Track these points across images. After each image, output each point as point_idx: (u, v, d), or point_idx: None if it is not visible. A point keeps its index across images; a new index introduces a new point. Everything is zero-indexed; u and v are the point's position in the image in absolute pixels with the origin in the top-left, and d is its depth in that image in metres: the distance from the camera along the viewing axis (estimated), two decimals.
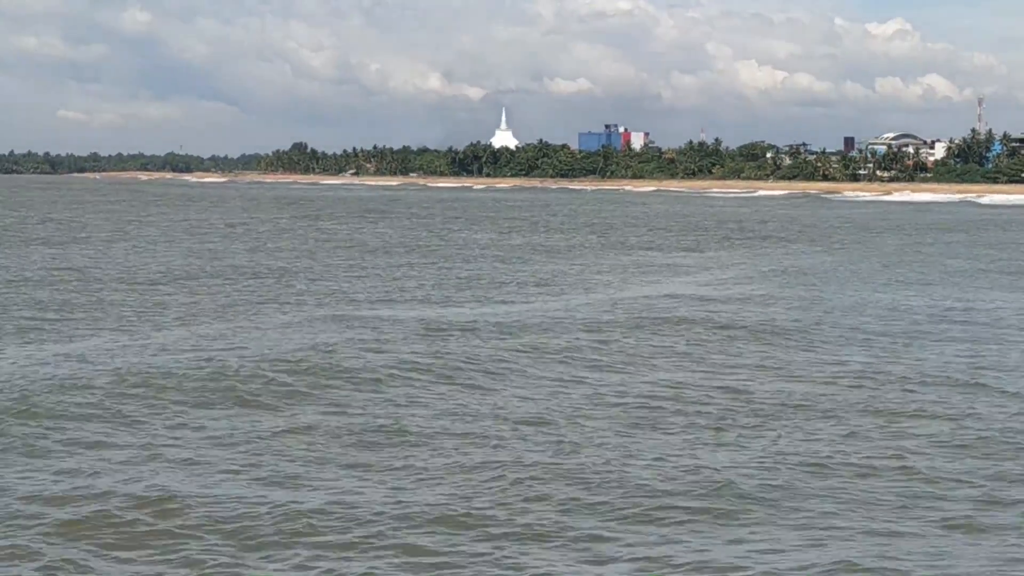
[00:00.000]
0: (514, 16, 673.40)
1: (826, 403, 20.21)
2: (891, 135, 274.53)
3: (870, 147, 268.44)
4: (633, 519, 13.66)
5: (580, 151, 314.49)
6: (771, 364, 24.68)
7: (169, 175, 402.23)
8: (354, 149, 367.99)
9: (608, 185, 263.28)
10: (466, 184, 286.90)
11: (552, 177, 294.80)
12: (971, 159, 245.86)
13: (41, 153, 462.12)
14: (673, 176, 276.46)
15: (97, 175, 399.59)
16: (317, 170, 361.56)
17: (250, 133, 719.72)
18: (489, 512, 13.83)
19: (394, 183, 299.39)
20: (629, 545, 12.68)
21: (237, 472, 15.32)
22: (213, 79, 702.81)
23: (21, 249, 56.94)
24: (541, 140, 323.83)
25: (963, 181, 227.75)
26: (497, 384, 21.95)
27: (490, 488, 14.67)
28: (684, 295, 38.24)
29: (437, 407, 19.61)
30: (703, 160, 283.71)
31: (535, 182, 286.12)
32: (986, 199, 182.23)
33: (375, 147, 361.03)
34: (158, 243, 63.69)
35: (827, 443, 17.34)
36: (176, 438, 17.43)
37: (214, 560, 12.02)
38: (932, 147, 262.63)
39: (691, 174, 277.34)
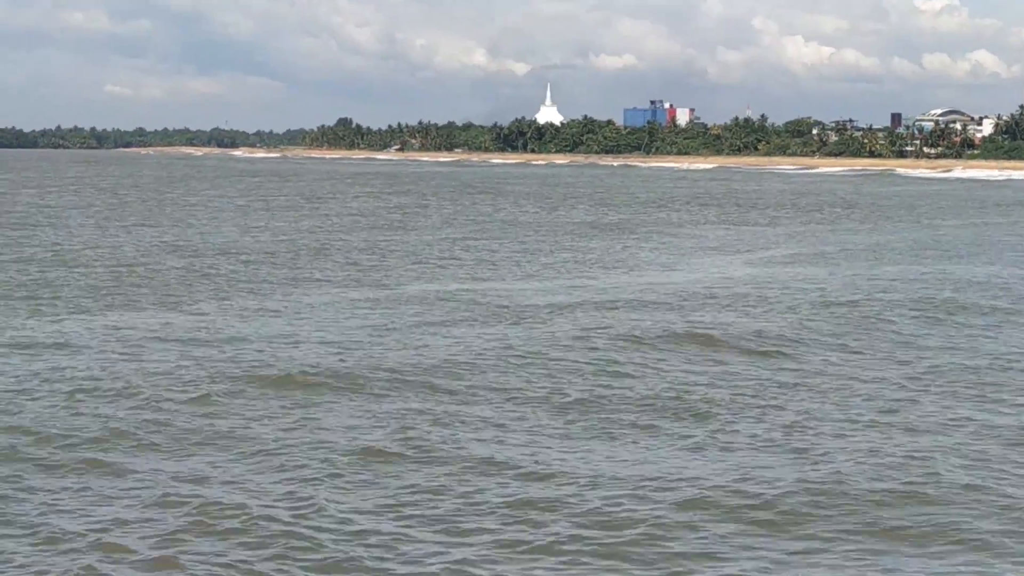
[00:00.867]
0: None
1: None
2: (938, 111, 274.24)
3: (917, 123, 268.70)
4: None
5: (625, 127, 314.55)
6: None
7: (216, 150, 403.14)
8: (399, 124, 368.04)
9: (655, 162, 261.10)
10: (525, 159, 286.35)
11: (597, 153, 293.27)
12: (1019, 136, 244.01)
13: (87, 128, 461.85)
14: (719, 152, 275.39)
15: (150, 150, 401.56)
16: (362, 145, 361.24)
17: (295, 108, 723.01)
18: None
19: (447, 159, 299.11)
20: None
21: None
22: (258, 54, 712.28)
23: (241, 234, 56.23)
24: (586, 116, 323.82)
25: (1011, 158, 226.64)
26: None
27: None
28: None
29: None
30: (749, 136, 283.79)
31: (580, 158, 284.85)
32: None
33: (420, 123, 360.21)
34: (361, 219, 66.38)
35: None
36: None
37: None
38: (980, 123, 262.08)
39: (737, 150, 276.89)
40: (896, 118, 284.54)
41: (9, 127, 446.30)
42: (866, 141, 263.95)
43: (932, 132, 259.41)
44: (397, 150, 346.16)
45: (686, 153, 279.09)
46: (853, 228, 67.14)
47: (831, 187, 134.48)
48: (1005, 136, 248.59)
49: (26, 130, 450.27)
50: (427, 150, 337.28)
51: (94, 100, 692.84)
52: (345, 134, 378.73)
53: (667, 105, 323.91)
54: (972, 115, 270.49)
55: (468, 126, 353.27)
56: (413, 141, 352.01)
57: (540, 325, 27.32)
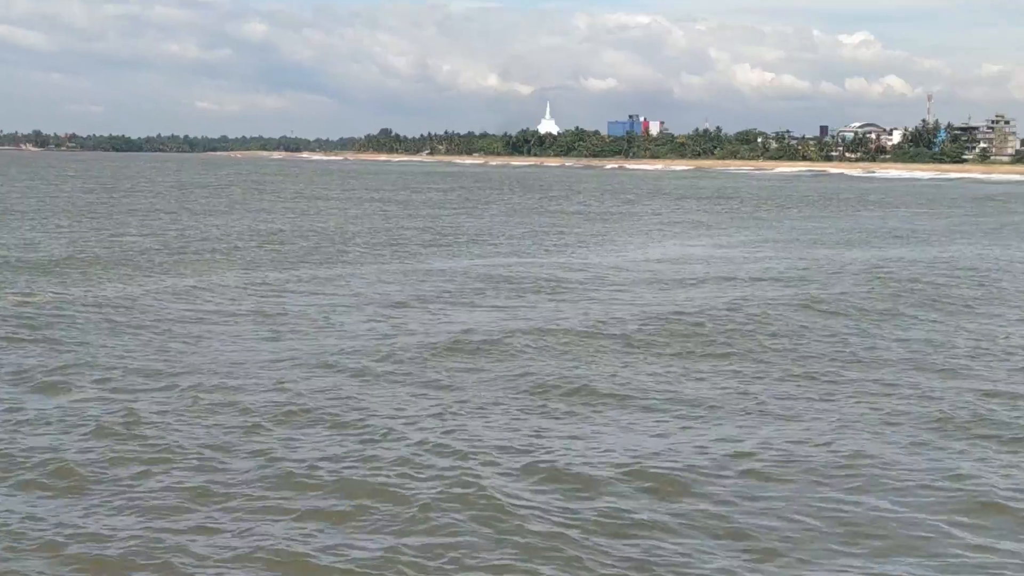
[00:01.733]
0: (556, 28, 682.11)
1: None
2: (857, 124, 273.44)
3: (840, 134, 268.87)
4: None
5: (608, 136, 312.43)
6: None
7: (286, 154, 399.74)
8: (429, 133, 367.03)
9: (632, 164, 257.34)
10: (538, 161, 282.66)
11: (587, 157, 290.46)
12: (921, 144, 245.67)
13: (181, 136, 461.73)
14: (683, 156, 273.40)
15: (237, 154, 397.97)
16: (400, 150, 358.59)
17: (346, 120, 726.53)
18: None
19: (470, 161, 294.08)
20: None
21: None
22: (316, 76, 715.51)
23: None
24: (577, 127, 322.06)
25: (915, 161, 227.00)
26: None
27: None
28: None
29: None
30: (707, 144, 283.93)
31: (573, 161, 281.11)
32: (973, 173, 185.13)
33: (445, 132, 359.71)
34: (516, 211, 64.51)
35: None
36: None
37: None
38: (890, 134, 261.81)
39: (697, 155, 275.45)
40: (824, 129, 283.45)
41: (120, 135, 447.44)
42: (800, 148, 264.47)
43: (852, 141, 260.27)
44: (428, 154, 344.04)
45: (657, 157, 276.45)
46: (858, 214, 66.93)
47: (794, 185, 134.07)
48: (910, 144, 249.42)
49: (133, 137, 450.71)
50: (451, 154, 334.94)
51: (186, 113, 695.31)
52: (386, 141, 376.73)
53: (642, 119, 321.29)
54: (884, 127, 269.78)
55: (484, 135, 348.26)
56: (440, 147, 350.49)
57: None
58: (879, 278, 29.48)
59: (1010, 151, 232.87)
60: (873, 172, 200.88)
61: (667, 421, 14.09)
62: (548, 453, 12.34)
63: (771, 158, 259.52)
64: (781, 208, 74.76)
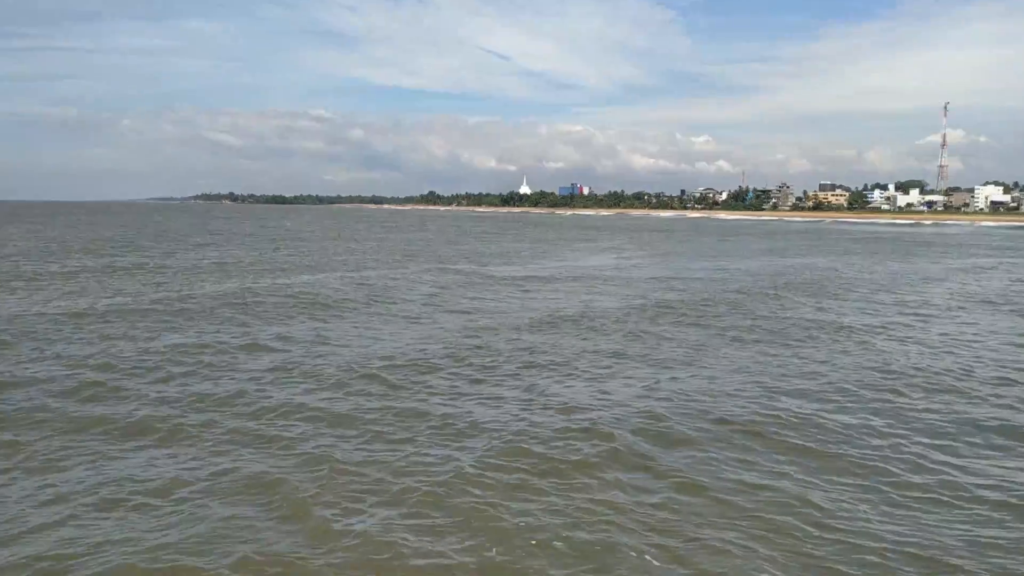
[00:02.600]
0: (529, 132, 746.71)
1: None
2: (702, 188, 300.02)
3: (691, 194, 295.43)
4: None
5: (560, 195, 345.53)
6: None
7: (375, 206, 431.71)
8: (455, 194, 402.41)
9: (579, 211, 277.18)
10: (522, 210, 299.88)
11: (548, 207, 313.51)
12: (739, 200, 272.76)
13: (314, 195, 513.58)
14: (603, 207, 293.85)
15: (347, 205, 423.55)
16: (439, 203, 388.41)
17: (408, 185, 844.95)
18: None
19: (482, 210, 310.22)
20: None
21: None
22: (391, 159, 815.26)
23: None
24: (541, 190, 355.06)
25: (735, 211, 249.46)
26: None
27: None
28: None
29: None
30: (616, 200, 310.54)
31: (539, 209, 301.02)
32: (766, 217, 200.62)
33: (466, 193, 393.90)
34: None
35: None
36: None
37: None
38: (721, 194, 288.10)
39: (611, 206, 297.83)
40: (683, 191, 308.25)
41: (278, 195, 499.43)
42: (669, 202, 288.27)
43: (699, 198, 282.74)
44: (455, 205, 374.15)
45: (587, 207, 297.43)
46: (717, 241, 67.49)
47: (670, 223, 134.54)
48: (733, 200, 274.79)
49: (287, 195, 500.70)
50: (468, 206, 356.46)
51: (317, 183, 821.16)
52: (431, 198, 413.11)
53: (579, 185, 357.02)
54: (718, 190, 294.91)
55: (487, 194, 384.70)
56: (463, 202, 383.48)
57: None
58: (713, 280, 28.28)
59: (790, 204, 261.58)
60: (711, 216, 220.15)
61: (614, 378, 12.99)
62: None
63: (654, 208, 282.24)
64: (667, 234, 79.65)
